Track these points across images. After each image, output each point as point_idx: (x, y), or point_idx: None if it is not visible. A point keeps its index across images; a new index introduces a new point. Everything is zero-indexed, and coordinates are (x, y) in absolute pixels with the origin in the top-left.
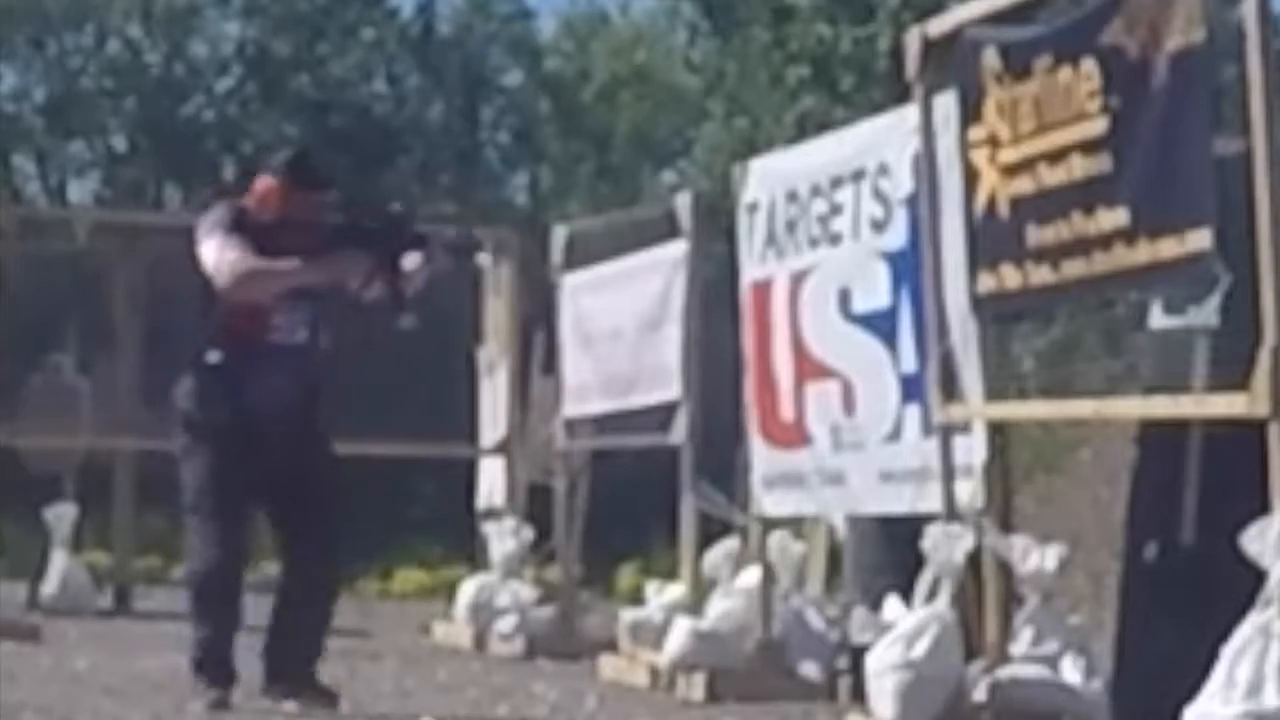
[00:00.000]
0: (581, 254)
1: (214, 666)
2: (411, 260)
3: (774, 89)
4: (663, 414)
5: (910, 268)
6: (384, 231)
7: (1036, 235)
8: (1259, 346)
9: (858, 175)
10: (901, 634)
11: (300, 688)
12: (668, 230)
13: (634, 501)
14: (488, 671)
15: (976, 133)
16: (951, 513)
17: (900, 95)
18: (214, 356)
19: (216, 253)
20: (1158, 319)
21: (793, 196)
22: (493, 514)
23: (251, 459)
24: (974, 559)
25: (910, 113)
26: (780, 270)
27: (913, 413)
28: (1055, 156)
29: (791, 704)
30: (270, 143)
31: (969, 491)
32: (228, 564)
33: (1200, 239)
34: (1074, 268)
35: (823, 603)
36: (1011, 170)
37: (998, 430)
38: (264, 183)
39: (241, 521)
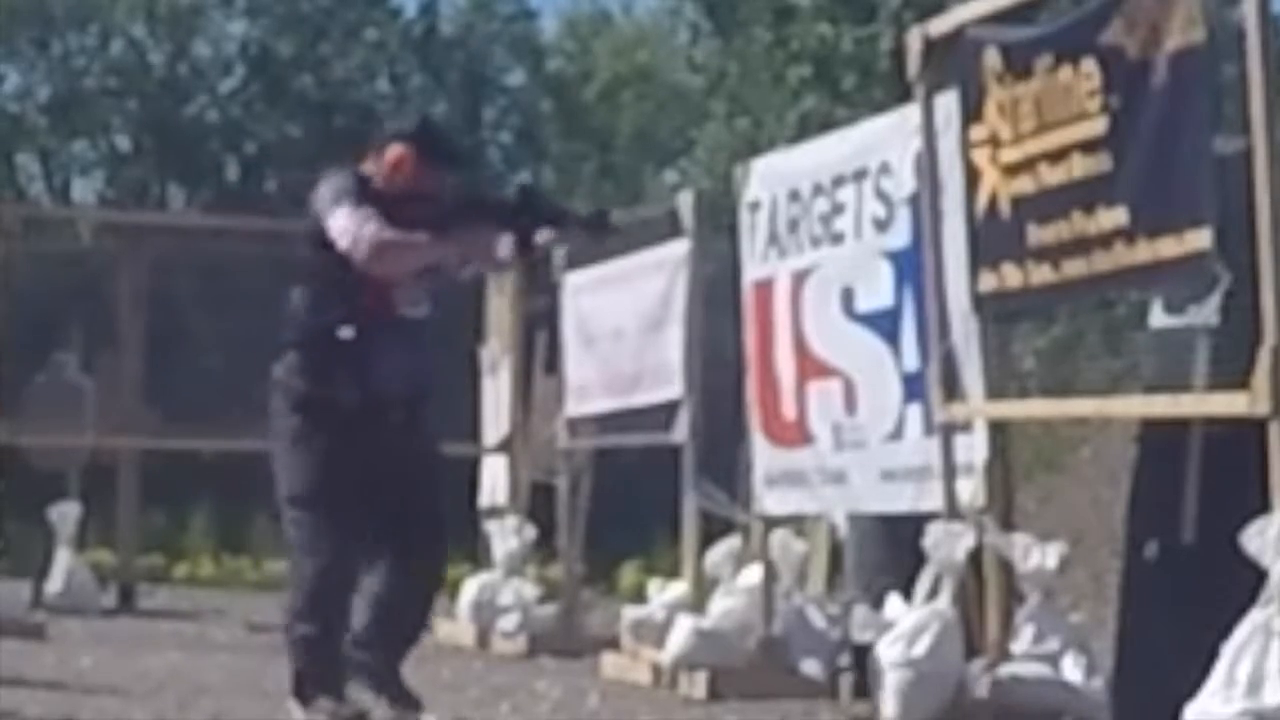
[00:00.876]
0: (584, 253)
1: (331, 679)
2: (544, 235)
3: (776, 89)
4: (665, 413)
5: (912, 267)
6: (517, 207)
7: (1037, 234)
8: (1259, 345)
9: (860, 175)
10: (903, 632)
11: (386, 687)
12: (670, 229)
13: (636, 500)
14: (490, 669)
15: (978, 132)
16: (953, 511)
17: (902, 95)
18: (346, 331)
19: (354, 223)
20: (1158, 318)
21: (795, 196)
22: (495, 512)
23: (372, 446)
24: (975, 557)
25: (912, 112)
26: (782, 269)
27: (914, 411)
28: (1056, 156)
29: (793, 702)
30: (273, 143)
31: (970, 490)
32: (350, 564)
33: (1200, 238)
34: (1074, 267)
35: (824, 601)
36: (1012, 170)
37: (999, 429)
38: (395, 151)
39: (362, 514)
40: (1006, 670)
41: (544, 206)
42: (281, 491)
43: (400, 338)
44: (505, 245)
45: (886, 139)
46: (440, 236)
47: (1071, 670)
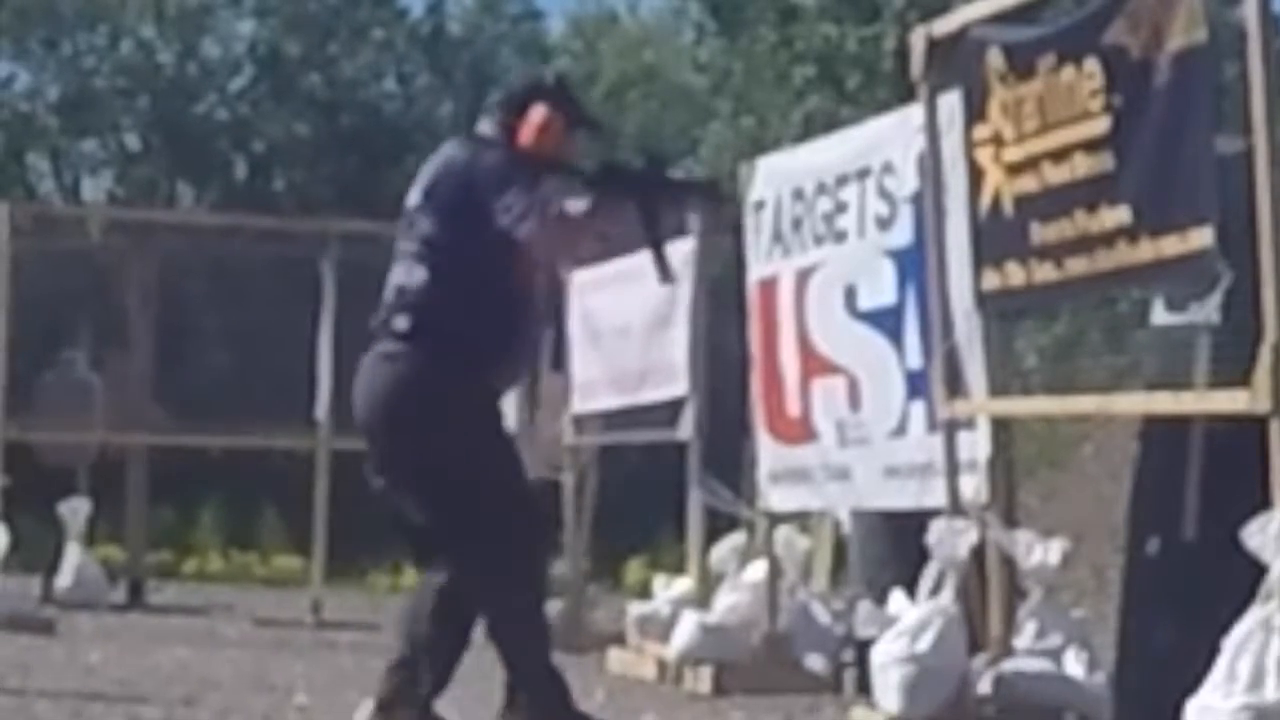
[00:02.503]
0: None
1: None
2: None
3: (780, 88)
4: (670, 410)
5: (915, 265)
6: (647, 178)
7: (1040, 233)
8: (1260, 343)
9: (863, 174)
10: (906, 628)
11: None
12: (675, 229)
13: (641, 496)
14: (495, 666)
15: (981, 131)
16: (956, 507)
17: (905, 94)
18: (494, 318)
19: (525, 204)
20: (1160, 316)
21: (799, 195)
22: None
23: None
24: (978, 553)
25: (915, 112)
26: (786, 267)
27: (918, 408)
28: (1059, 155)
29: (797, 697)
30: (281, 141)
31: (973, 486)
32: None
33: (1202, 237)
34: (1077, 265)
35: (828, 597)
36: (1015, 169)
37: (1001, 426)
38: (540, 113)
39: None
40: (1009, 666)
41: (669, 180)
42: (487, 494)
43: (532, 319)
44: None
45: (890, 138)
46: (595, 212)
47: (1074, 666)
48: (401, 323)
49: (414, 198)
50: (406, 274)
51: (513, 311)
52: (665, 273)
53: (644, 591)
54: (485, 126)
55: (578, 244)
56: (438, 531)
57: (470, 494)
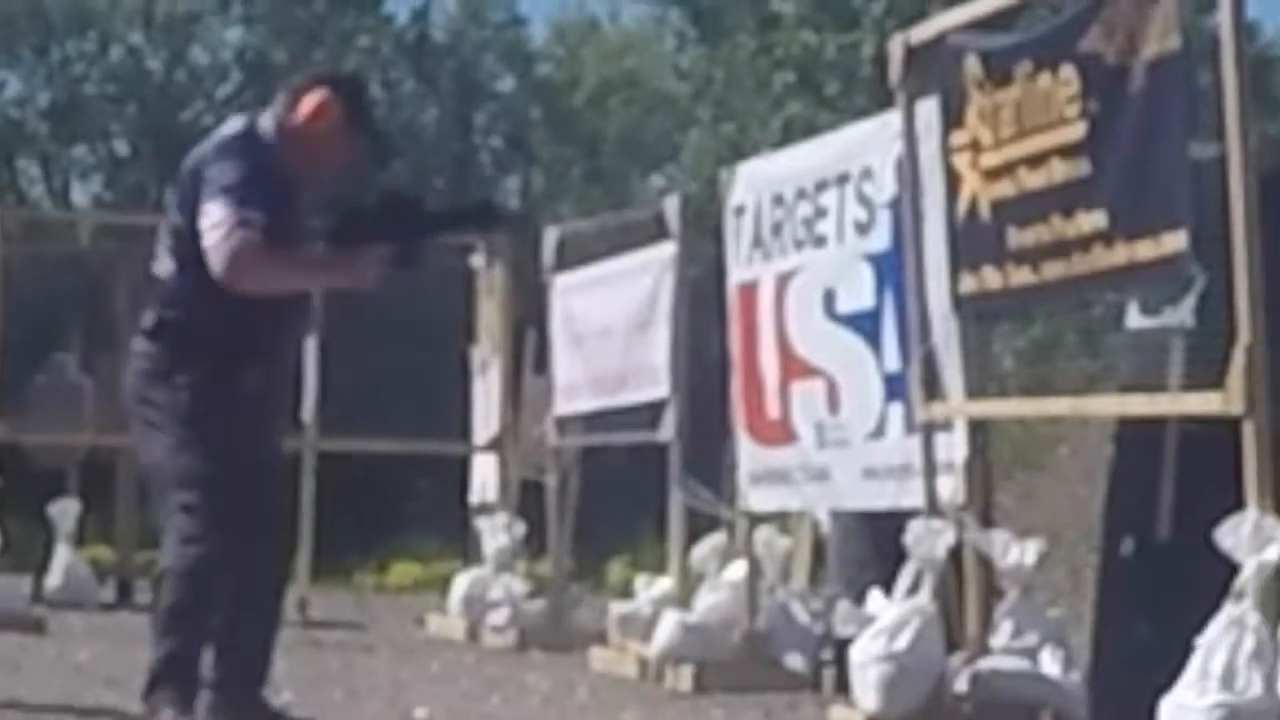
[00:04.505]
0: (572, 255)
1: (180, 689)
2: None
3: (760, 95)
4: (651, 412)
5: (893, 269)
6: (386, 217)
7: (1017, 237)
8: (1233, 346)
9: (842, 179)
10: (884, 626)
11: (250, 714)
12: (656, 232)
13: (623, 497)
14: (480, 663)
15: (958, 137)
16: (933, 508)
17: (884, 101)
18: (249, 315)
19: (229, 223)
20: (1135, 319)
21: (778, 200)
22: (485, 509)
23: (261, 428)
24: (955, 553)
25: (894, 118)
26: (766, 272)
27: (896, 410)
28: (1035, 161)
29: (777, 695)
30: None
31: (950, 487)
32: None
33: (1176, 241)
34: (1053, 269)
35: (807, 596)
36: (993, 174)
37: (978, 428)
38: (318, 96)
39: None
40: (986, 664)
41: (425, 214)
42: (180, 471)
43: (291, 314)
44: (378, 270)
45: (868, 144)
46: (321, 263)
47: (1050, 664)
48: (148, 319)
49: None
50: (159, 264)
51: (255, 308)
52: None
53: (626, 591)
54: (265, 119)
55: (278, 287)
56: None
57: (180, 489)
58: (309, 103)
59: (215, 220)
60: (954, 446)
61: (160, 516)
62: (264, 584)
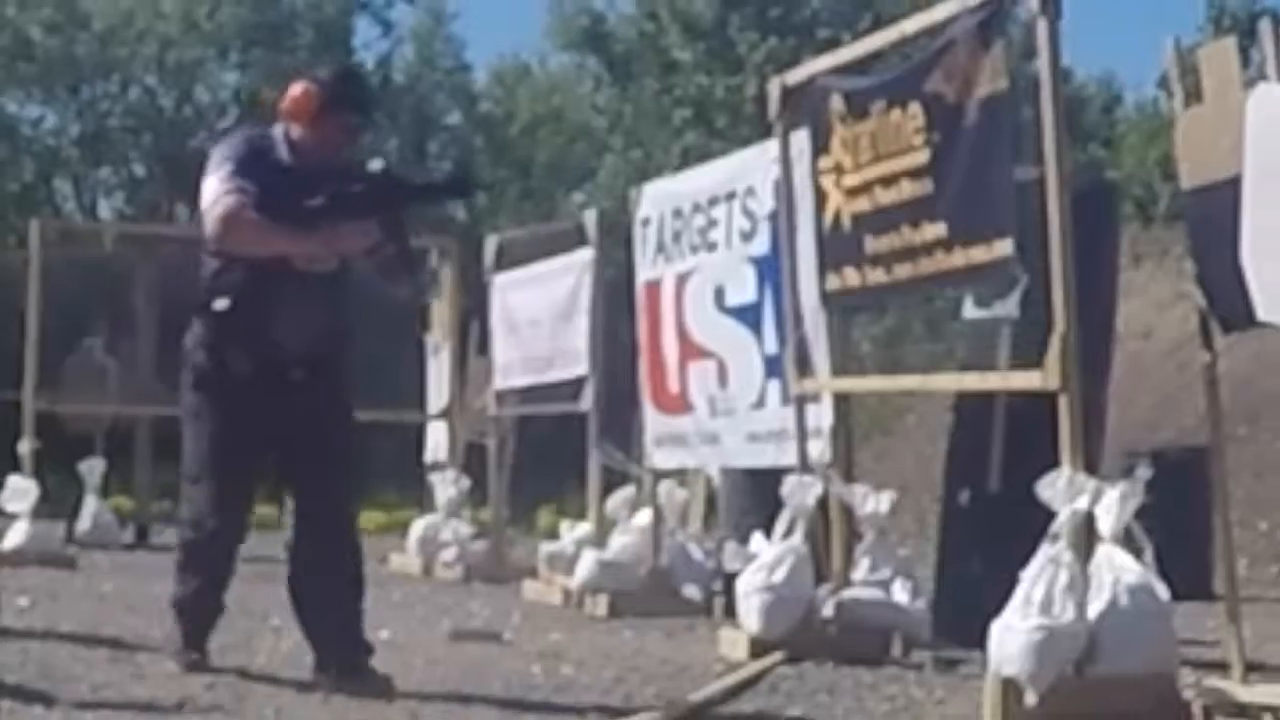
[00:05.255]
0: (508, 259)
1: (196, 630)
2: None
3: (662, 127)
4: (573, 387)
5: (772, 270)
6: (375, 197)
7: (873, 244)
8: (1051, 333)
9: (730, 196)
10: (764, 563)
11: (350, 679)
12: (578, 240)
13: (551, 457)
14: (433, 593)
15: (825, 162)
16: (805, 466)
17: (764, 132)
18: (221, 303)
19: (218, 191)
20: (970, 311)
21: (678, 213)
22: (438, 466)
23: (271, 410)
24: (822, 503)
25: (772, 146)
26: (668, 272)
27: (774, 386)
28: (888, 181)
29: (676, 619)
30: None
31: (818, 449)
32: (228, 533)
33: (1004, 247)
34: (903, 270)
35: (701, 538)
36: (853, 192)
37: (841, 400)
38: (300, 87)
39: (251, 488)
40: (847, 594)
41: (404, 188)
42: (183, 466)
43: (300, 295)
44: (369, 241)
45: (751, 167)
46: (306, 232)
47: (900, 594)
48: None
49: None
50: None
51: (258, 286)
52: (406, 280)
53: (553, 534)
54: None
55: (266, 250)
56: None
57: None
58: (291, 91)
59: (209, 191)
60: (821, 415)
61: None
62: (327, 549)
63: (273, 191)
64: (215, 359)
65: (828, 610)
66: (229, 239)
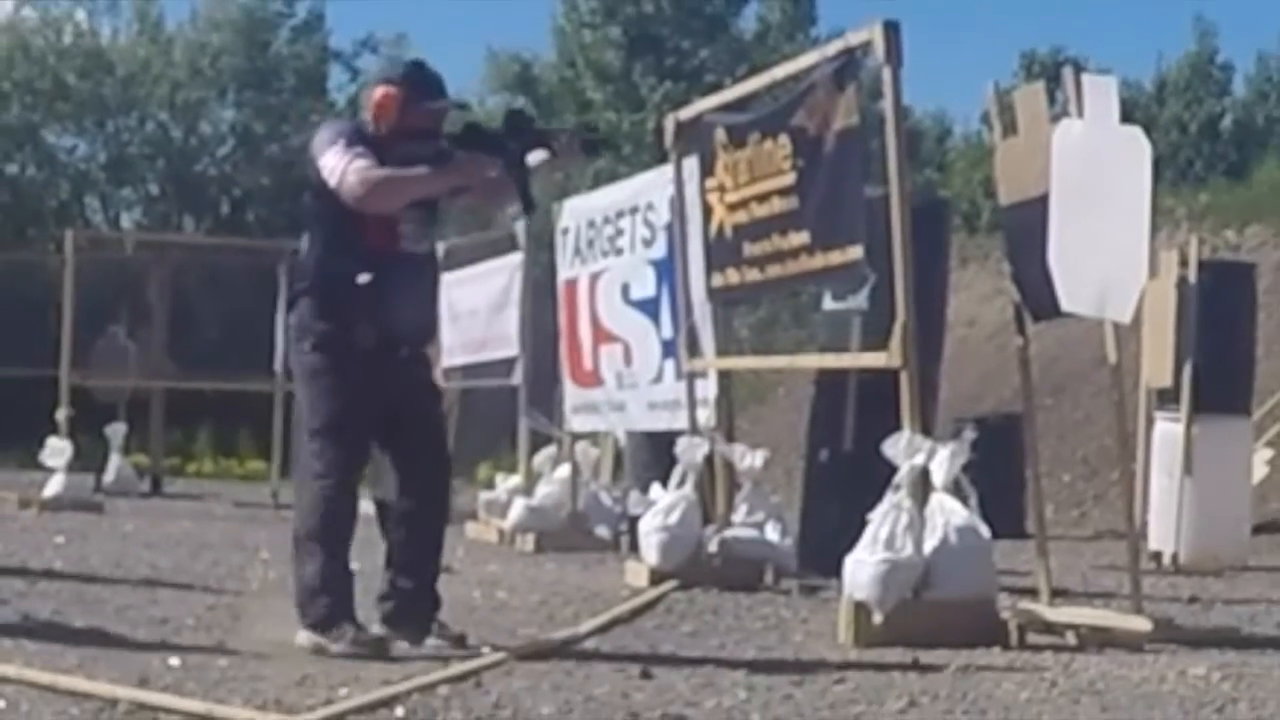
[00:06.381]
0: (453, 260)
1: (346, 603)
2: (535, 157)
3: None
4: (507, 365)
5: (668, 270)
6: (507, 132)
7: (750, 249)
8: (894, 321)
9: (634, 210)
10: (662, 508)
11: (427, 634)
12: (510, 246)
13: (488, 422)
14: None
15: (711, 183)
16: (694, 429)
17: (662, 158)
18: (364, 277)
19: (343, 162)
20: (828, 304)
21: (592, 224)
22: None
23: (384, 381)
24: (709, 459)
25: (668, 170)
26: (584, 272)
27: (669, 364)
28: (762, 198)
29: (591, 554)
30: (252, 189)
31: (706, 416)
32: (354, 498)
33: (856, 252)
34: (774, 270)
35: (611, 488)
36: (734, 207)
37: (724, 376)
38: (381, 91)
39: (368, 451)
40: (729, 533)
41: (533, 129)
42: (308, 424)
43: (407, 275)
44: (491, 172)
45: (651, 187)
46: (435, 169)
47: (772, 533)
48: (289, 295)
49: None
50: (302, 243)
51: (372, 267)
52: (528, 205)
53: (490, 484)
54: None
55: (408, 195)
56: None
57: (311, 438)
58: (373, 96)
59: (333, 165)
60: (708, 388)
61: (298, 461)
62: (425, 515)
63: (381, 156)
64: (343, 329)
65: (713, 546)
66: (373, 197)
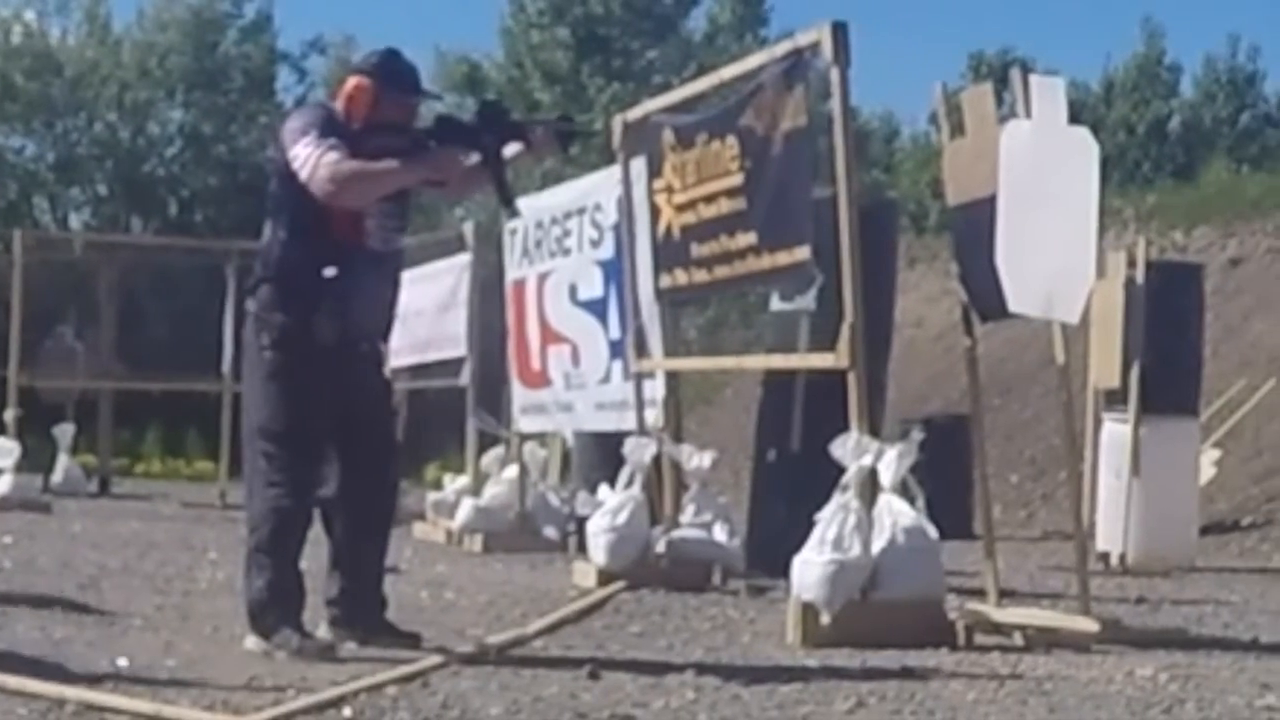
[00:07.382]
0: (405, 261)
1: (294, 613)
2: (512, 149)
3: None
4: (455, 365)
5: (616, 271)
6: (482, 125)
7: (697, 250)
8: (842, 322)
9: (581, 210)
10: (609, 508)
11: (376, 635)
12: (458, 246)
13: (436, 422)
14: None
15: (659, 183)
16: (642, 430)
17: (610, 159)
18: (330, 270)
19: (314, 155)
20: (776, 304)
21: (539, 224)
22: None
23: (340, 378)
24: (657, 460)
25: (616, 170)
26: (531, 272)
27: (617, 365)
28: (709, 199)
29: (539, 555)
30: (200, 190)
31: (654, 416)
32: (308, 507)
33: (804, 252)
34: (721, 271)
35: (559, 489)
36: (681, 208)
37: (672, 376)
38: (353, 82)
39: (324, 458)
40: (677, 534)
41: (508, 121)
42: (253, 422)
43: (371, 271)
44: (464, 164)
45: (599, 187)
46: (407, 161)
47: (719, 534)
48: (250, 282)
49: None
50: (264, 229)
51: (336, 261)
52: (508, 203)
53: (438, 484)
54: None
55: (379, 190)
56: None
57: (262, 438)
58: (345, 88)
59: (303, 157)
60: (656, 389)
61: (245, 460)
62: (373, 514)
63: (353, 147)
64: (302, 321)
65: (661, 547)
66: (344, 192)
